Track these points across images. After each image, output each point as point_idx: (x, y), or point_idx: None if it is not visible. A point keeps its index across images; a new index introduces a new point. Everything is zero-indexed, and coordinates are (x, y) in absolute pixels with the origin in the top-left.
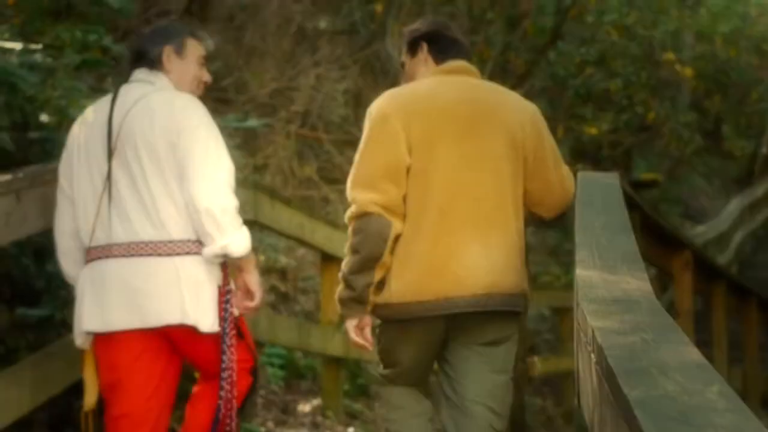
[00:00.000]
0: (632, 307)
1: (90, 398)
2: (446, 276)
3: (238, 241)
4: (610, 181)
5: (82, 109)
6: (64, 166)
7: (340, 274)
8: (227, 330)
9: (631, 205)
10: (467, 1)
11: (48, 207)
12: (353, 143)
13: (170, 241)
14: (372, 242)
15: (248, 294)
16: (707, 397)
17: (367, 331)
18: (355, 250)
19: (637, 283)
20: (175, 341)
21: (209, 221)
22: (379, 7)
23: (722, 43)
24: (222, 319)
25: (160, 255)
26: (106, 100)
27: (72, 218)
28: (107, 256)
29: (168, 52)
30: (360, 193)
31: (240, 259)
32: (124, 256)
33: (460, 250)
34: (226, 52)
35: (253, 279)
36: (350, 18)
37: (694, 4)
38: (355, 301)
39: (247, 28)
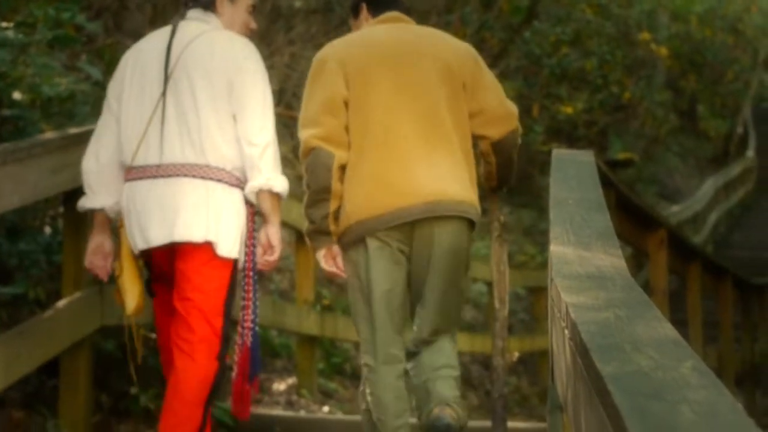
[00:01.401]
0: (606, 283)
1: (131, 302)
2: (395, 188)
3: (281, 179)
4: (585, 158)
5: (55, 86)
6: (114, 86)
7: (302, 210)
8: (255, 267)
9: (606, 183)
10: None
11: (21, 185)
12: None
13: (206, 166)
14: (318, 174)
15: (269, 248)
16: (681, 373)
17: (338, 259)
18: (307, 185)
19: (611, 259)
20: (196, 260)
21: (261, 155)
22: None
23: (697, 22)
24: (249, 256)
25: (194, 177)
26: (165, 30)
27: (114, 134)
28: (147, 177)
29: None
30: (304, 130)
31: (272, 201)
32: (162, 176)
33: (405, 164)
34: None
35: (275, 233)
36: None
37: None
38: (318, 233)
39: None
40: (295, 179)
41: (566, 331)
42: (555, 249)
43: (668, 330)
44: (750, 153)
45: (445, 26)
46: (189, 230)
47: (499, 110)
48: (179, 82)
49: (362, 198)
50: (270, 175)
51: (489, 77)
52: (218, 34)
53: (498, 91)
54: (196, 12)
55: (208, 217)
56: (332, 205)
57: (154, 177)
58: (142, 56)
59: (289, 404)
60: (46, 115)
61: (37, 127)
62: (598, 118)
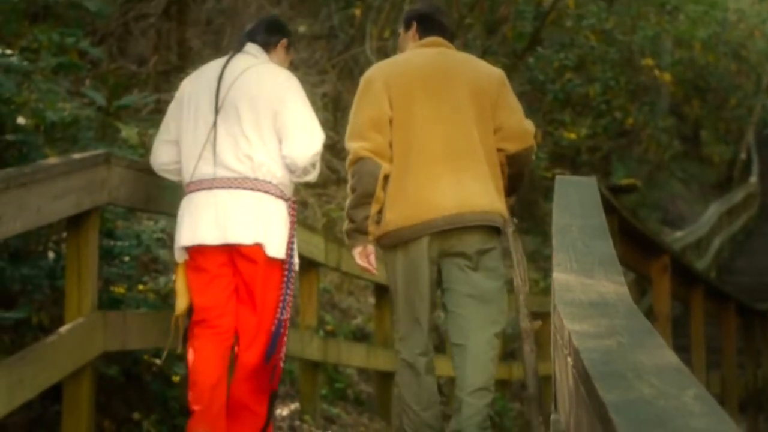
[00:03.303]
0: (609, 310)
1: (181, 305)
2: (425, 203)
3: (313, 176)
4: (588, 184)
5: (59, 111)
6: (173, 111)
7: (345, 211)
8: (293, 264)
9: (609, 209)
10: (447, 5)
11: (24, 210)
12: (332, 147)
13: (256, 179)
14: (365, 181)
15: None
16: (683, 401)
17: (372, 257)
18: (353, 189)
19: (614, 286)
20: (247, 259)
21: (303, 172)
22: (357, 12)
23: (701, 48)
24: (288, 256)
25: (245, 189)
26: (218, 62)
27: (169, 154)
28: (204, 188)
29: (284, 44)
30: (353, 142)
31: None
32: (217, 188)
33: (435, 181)
34: (204, 55)
35: None
36: (329, 22)
37: (672, 10)
38: (357, 232)
39: (225, 31)
40: (298, 204)
41: (569, 359)
42: (558, 276)
43: (670, 357)
44: (753, 178)
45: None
46: (241, 234)
47: (517, 129)
48: (229, 111)
49: (401, 210)
50: (307, 179)
51: (512, 99)
52: (265, 68)
53: (519, 113)
54: (254, 48)
55: (257, 223)
56: (373, 209)
57: (210, 188)
58: (197, 86)
59: (292, 430)
60: (49, 141)
61: (41, 153)
62: (601, 143)
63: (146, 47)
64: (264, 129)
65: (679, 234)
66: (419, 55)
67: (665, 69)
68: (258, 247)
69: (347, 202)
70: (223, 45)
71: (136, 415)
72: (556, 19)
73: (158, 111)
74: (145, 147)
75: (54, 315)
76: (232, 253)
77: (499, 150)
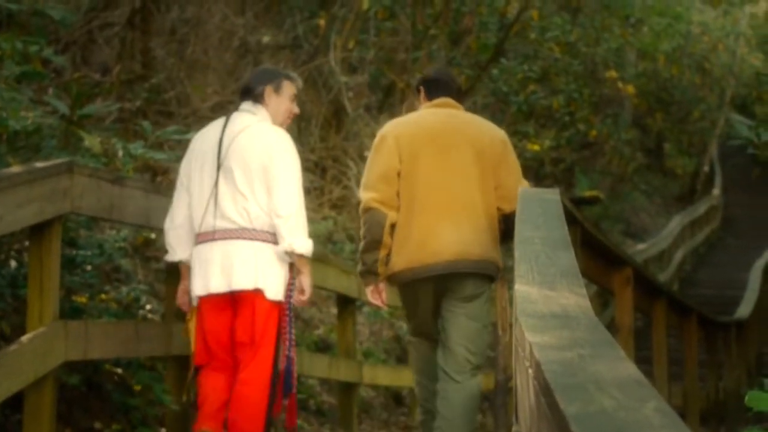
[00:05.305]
0: (570, 322)
1: (194, 343)
2: (427, 249)
3: (301, 242)
4: (551, 196)
5: (22, 120)
6: (184, 166)
7: (358, 254)
8: (291, 306)
9: (572, 221)
10: (410, 16)
11: None
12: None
13: (253, 230)
14: (374, 230)
15: (302, 291)
16: (644, 413)
17: (383, 294)
18: (363, 236)
19: (576, 298)
20: (248, 303)
21: (285, 224)
22: (322, 22)
23: (664, 61)
24: (287, 297)
25: (245, 239)
26: (220, 122)
27: (187, 206)
28: (211, 240)
29: (269, 91)
30: (365, 193)
31: (300, 258)
32: (222, 239)
33: (437, 230)
34: (168, 65)
35: (306, 280)
36: (293, 32)
37: (636, 22)
38: (368, 273)
39: (189, 41)
40: None
41: (530, 371)
42: (520, 288)
43: (631, 370)
44: (716, 191)
45: (413, 63)
46: (243, 281)
47: (513, 189)
48: (228, 168)
49: (404, 254)
50: (291, 240)
51: (512, 160)
52: (258, 129)
53: (517, 173)
54: (247, 104)
55: (257, 270)
56: (382, 253)
57: (213, 240)
58: (203, 144)
59: None
60: (12, 149)
61: (4, 161)
62: (564, 155)
63: (110, 56)
64: (255, 185)
65: (641, 246)
66: (430, 115)
67: (629, 81)
68: (258, 292)
69: (359, 246)
70: (187, 54)
71: (97, 425)
72: (520, 31)
73: (121, 120)
74: (107, 156)
75: (15, 324)
76: (234, 298)
77: (498, 209)
